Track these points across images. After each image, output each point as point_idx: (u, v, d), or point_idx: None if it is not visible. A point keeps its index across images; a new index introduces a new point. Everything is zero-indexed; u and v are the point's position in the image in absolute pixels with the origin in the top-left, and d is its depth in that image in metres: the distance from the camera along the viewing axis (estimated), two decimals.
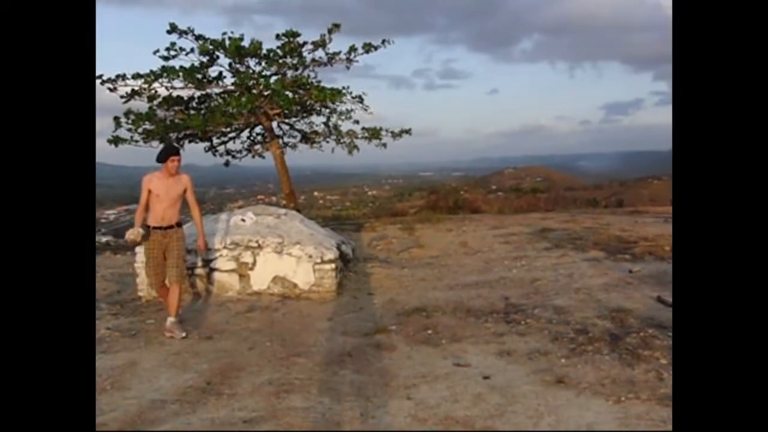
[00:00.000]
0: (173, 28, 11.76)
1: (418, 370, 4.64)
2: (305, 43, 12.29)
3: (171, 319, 5.78)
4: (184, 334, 5.69)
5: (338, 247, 7.63)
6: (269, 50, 12.02)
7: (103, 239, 16.54)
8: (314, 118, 13.55)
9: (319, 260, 7.12)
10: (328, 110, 13.09)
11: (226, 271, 7.23)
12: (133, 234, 5.72)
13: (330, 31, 12.36)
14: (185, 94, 12.37)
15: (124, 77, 11.67)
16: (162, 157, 5.77)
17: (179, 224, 5.88)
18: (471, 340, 5.31)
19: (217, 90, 12.46)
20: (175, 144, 5.74)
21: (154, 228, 5.76)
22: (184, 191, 5.84)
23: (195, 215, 6.04)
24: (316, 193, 60.12)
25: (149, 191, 5.75)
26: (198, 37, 11.81)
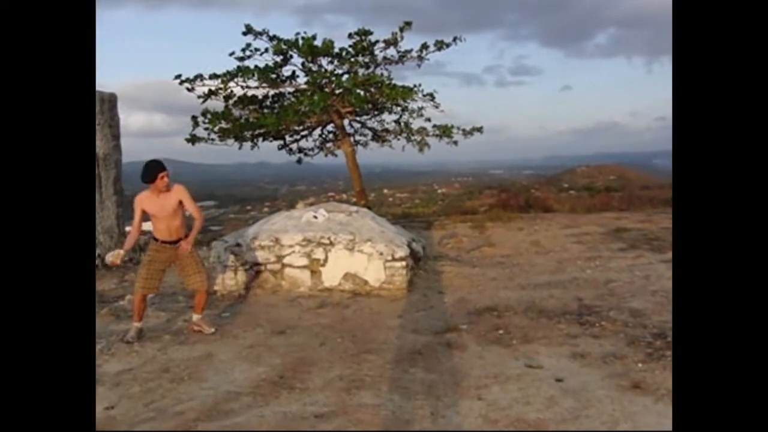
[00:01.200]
0: (248, 30, 12.04)
1: (489, 370, 4.60)
2: (377, 41, 12.36)
3: (197, 316, 5.91)
4: (213, 330, 5.81)
5: (409, 245, 7.63)
6: (341, 49, 12.15)
7: None
8: (385, 116, 13.62)
9: (390, 258, 7.15)
10: (399, 108, 13.11)
11: (298, 267, 7.35)
12: (112, 256, 5.74)
13: (402, 30, 12.38)
14: (260, 93, 12.66)
15: (201, 77, 12.01)
16: (150, 178, 5.60)
17: (187, 235, 5.83)
18: (543, 341, 5.22)
19: (290, 89, 12.69)
20: (157, 160, 5.63)
21: (163, 242, 5.75)
22: (180, 202, 5.70)
23: (196, 222, 5.94)
24: (385, 191, 60.33)
25: (143, 211, 5.69)
26: (272, 38, 12.04)
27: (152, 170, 5.58)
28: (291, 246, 7.37)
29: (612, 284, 7.17)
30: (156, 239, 5.76)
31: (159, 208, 5.65)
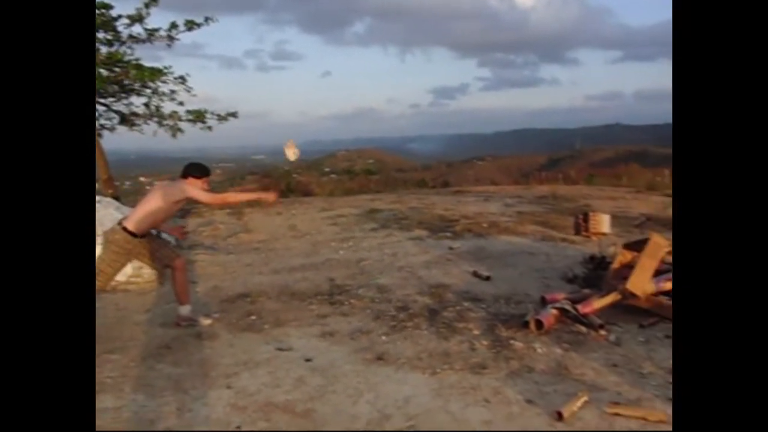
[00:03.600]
0: None
1: (240, 357, 4.54)
2: (120, 16, 11.54)
3: (185, 308, 5.40)
4: (210, 321, 5.36)
5: (158, 235, 7.25)
6: None
7: None
8: (134, 99, 12.80)
9: None
10: (149, 90, 12.41)
11: None
12: None
13: (147, 5, 11.68)
14: None
15: None
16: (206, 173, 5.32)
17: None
18: (295, 323, 5.29)
19: None
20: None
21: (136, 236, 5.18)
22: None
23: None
24: (142, 179, 57.00)
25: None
26: None
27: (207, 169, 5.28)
28: None
29: (363, 263, 7.50)
30: (133, 234, 5.09)
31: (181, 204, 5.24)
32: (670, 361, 4.33)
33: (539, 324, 4.91)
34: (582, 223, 9.11)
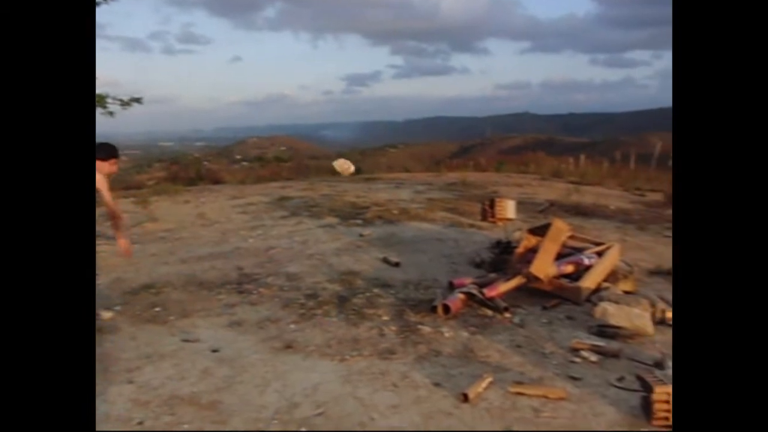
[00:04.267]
0: None
1: (143, 350, 4.39)
2: None
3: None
4: (111, 314, 5.14)
5: None
6: None
7: None
8: None
9: None
10: None
11: None
12: None
13: None
14: None
15: None
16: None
17: None
18: (201, 313, 5.17)
19: None
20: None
21: None
22: None
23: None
24: None
25: None
26: None
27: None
28: None
29: (272, 251, 7.40)
30: None
31: None
32: (570, 341, 4.51)
33: (447, 308, 5.01)
34: (488, 209, 9.33)
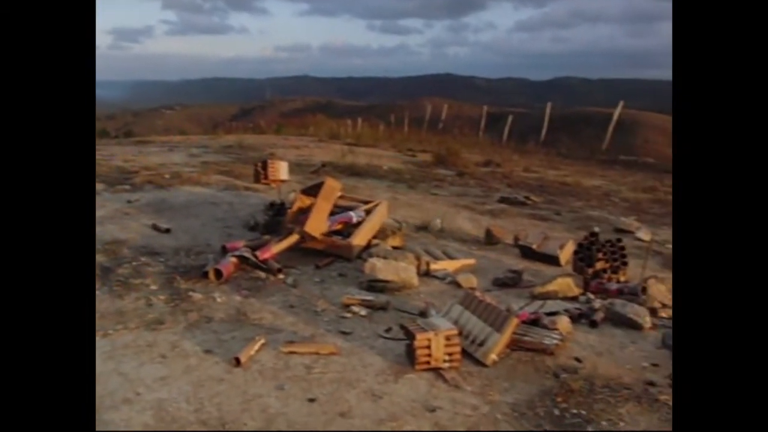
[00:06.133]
0: None
1: None
2: None
3: None
4: None
5: None
6: None
7: None
8: None
9: None
10: None
11: None
12: None
13: None
14: None
15: None
16: None
17: None
18: None
19: None
20: None
21: None
22: None
23: None
24: None
25: None
26: None
27: None
28: None
29: None
30: None
31: None
32: (341, 297, 4.66)
33: (219, 273, 4.90)
34: (261, 171, 9.24)
